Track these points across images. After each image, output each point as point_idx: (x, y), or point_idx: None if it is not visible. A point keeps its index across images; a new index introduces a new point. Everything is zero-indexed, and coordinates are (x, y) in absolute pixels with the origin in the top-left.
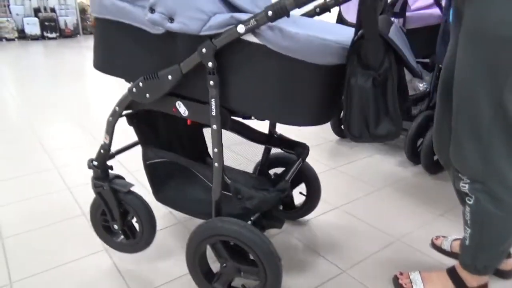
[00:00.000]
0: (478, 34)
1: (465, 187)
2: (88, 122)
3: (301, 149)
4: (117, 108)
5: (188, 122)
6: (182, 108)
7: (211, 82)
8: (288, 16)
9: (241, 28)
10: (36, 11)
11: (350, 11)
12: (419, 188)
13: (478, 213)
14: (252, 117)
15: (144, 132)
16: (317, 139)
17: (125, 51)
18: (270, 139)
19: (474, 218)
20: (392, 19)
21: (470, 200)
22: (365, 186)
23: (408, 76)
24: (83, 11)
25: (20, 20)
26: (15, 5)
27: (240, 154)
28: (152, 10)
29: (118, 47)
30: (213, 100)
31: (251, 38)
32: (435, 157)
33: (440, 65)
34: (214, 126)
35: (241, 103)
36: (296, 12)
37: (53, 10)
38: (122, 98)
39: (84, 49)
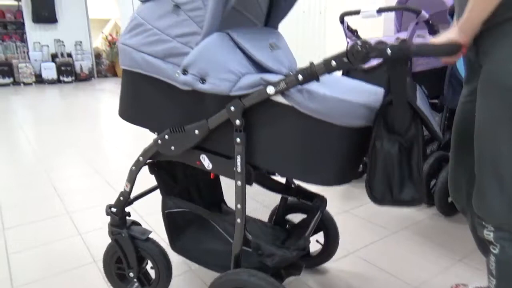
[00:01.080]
0: (499, 84)
1: (489, 235)
2: (100, 165)
3: (319, 201)
4: (141, 158)
5: (212, 175)
6: (206, 162)
7: (238, 139)
8: (318, 80)
9: (270, 90)
10: (54, 57)
11: None
12: (435, 231)
13: (505, 262)
14: (276, 174)
15: (165, 181)
16: None
17: (152, 103)
18: (287, 188)
19: (500, 267)
20: None
21: (495, 249)
22: (379, 230)
23: None
24: (98, 55)
25: (38, 66)
26: (34, 52)
27: (255, 199)
28: (185, 71)
29: (145, 99)
30: (238, 156)
31: (279, 98)
32: (450, 199)
33: (449, 107)
34: (239, 183)
35: (266, 161)
36: None
37: (69, 55)
38: (147, 149)
39: (98, 92)
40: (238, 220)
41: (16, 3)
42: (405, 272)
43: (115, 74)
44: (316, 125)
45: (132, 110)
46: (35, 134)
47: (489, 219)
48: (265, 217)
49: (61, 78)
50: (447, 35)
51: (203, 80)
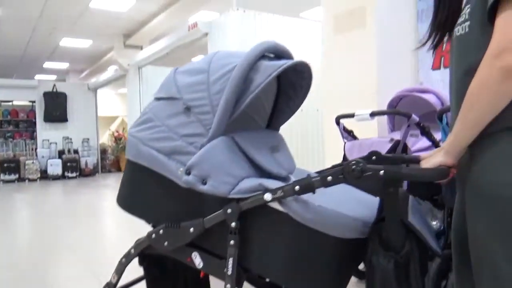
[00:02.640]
0: (487, 194)
1: None
2: (98, 268)
3: None
4: (132, 250)
5: (202, 274)
6: (197, 260)
7: (232, 242)
8: (313, 193)
9: (268, 196)
10: (61, 153)
11: (354, 153)
12: None
13: None
14: (267, 279)
15: (152, 275)
16: None
17: (151, 195)
18: None
19: None
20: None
21: None
22: None
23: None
24: (103, 151)
25: (45, 162)
26: (42, 149)
27: None
28: (188, 172)
29: (145, 190)
30: (231, 259)
31: (275, 205)
32: None
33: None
34: (228, 286)
35: (259, 265)
36: None
37: (76, 151)
38: (139, 242)
39: (102, 188)
40: None
41: (30, 103)
42: None
43: (119, 169)
44: (309, 234)
45: (131, 200)
46: (36, 233)
47: None
48: None
49: (66, 173)
50: (436, 159)
51: (204, 182)
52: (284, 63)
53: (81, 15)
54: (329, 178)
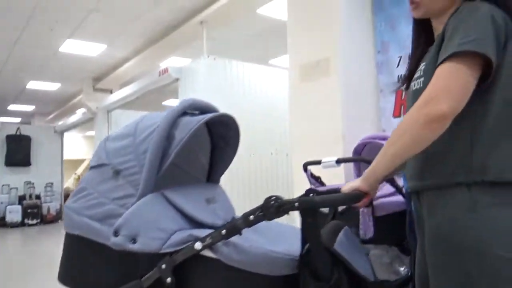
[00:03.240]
0: (444, 246)
1: None
2: None
3: None
4: None
5: None
6: None
7: None
8: (240, 234)
9: (198, 245)
10: (21, 199)
11: None
12: None
13: None
14: None
15: None
16: None
17: (88, 265)
18: None
19: None
20: (361, 209)
21: None
22: None
23: (388, 258)
24: (68, 196)
25: (3, 208)
26: (1, 194)
27: None
28: (116, 233)
29: (82, 261)
30: None
31: (207, 253)
32: None
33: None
34: None
35: None
36: None
37: (38, 197)
38: None
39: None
40: None
41: None
42: None
43: None
44: (242, 276)
45: (70, 273)
46: None
47: None
48: None
49: (26, 220)
50: (352, 184)
51: (134, 241)
52: (203, 117)
53: (50, 58)
54: (251, 217)
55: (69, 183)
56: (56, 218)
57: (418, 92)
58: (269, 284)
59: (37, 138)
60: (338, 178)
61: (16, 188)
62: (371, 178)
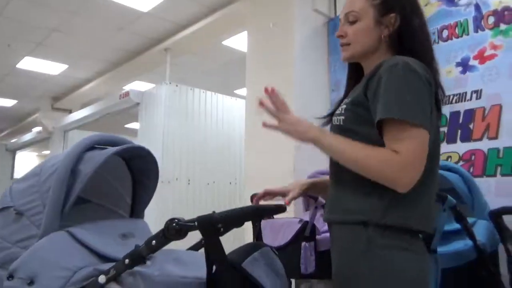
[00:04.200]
0: (337, 275)
1: None
2: None
3: None
4: None
5: None
6: None
7: None
8: (144, 262)
9: (102, 279)
10: None
11: (266, 231)
12: None
13: None
14: None
15: None
16: None
17: None
18: None
19: None
20: (304, 243)
21: None
22: None
23: None
24: None
25: None
26: None
27: None
28: (10, 277)
29: None
30: None
31: (114, 286)
32: None
33: None
34: None
35: None
36: None
37: None
38: None
39: None
40: None
41: None
42: None
43: None
44: None
45: None
46: None
47: None
48: None
49: None
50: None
51: (31, 282)
52: (111, 150)
53: (6, 74)
54: (153, 242)
55: None
56: None
57: (337, 129)
58: None
59: None
60: (288, 211)
61: None
62: (308, 138)
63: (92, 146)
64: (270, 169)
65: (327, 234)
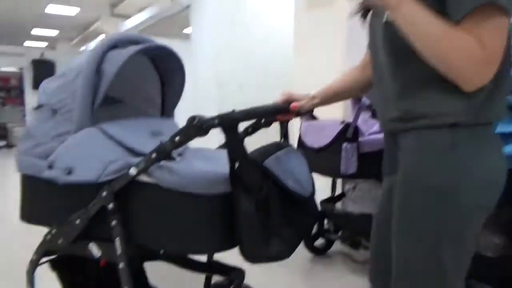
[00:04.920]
0: (419, 184)
1: None
2: None
3: (235, 274)
4: (34, 257)
5: (102, 263)
6: (94, 250)
7: (113, 222)
8: (169, 156)
9: (133, 171)
10: None
11: (308, 133)
12: None
13: None
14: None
15: (66, 279)
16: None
17: (39, 200)
18: (207, 266)
19: None
20: (345, 144)
21: None
22: None
23: (374, 193)
24: None
25: None
26: (30, 116)
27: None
28: (50, 167)
29: (34, 198)
30: (117, 239)
31: (144, 178)
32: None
33: None
34: (121, 265)
35: (146, 238)
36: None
37: None
38: (38, 246)
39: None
40: None
41: (18, 70)
42: None
43: None
44: (179, 197)
45: (27, 211)
46: None
47: None
48: None
49: None
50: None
51: (69, 172)
52: (134, 48)
53: None
54: (177, 138)
55: None
56: None
57: (391, 26)
58: (207, 203)
59: (61, 63)
60: (337, 112)
61: None
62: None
63: (114, 46)
64: (319, 71)
65: (371, 137)
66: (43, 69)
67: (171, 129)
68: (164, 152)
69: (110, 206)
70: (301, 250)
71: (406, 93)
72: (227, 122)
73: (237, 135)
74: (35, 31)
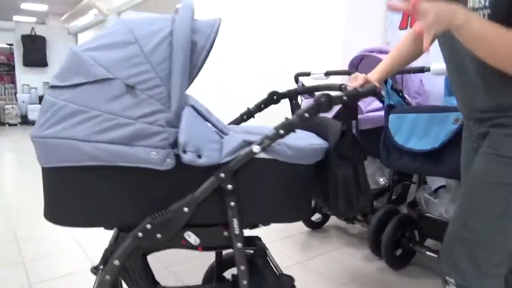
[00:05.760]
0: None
1: None
2: None
3: (261, 243)
4: (116, 262)
5: (199, 249)
6: (192, 238)
7: (232, 203)
8: (294, 132)
9: (256, 149)
10: (41, 99)
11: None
12: (380, 285)
13: None
14: (259, 225)
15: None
16: (287, 230)
17: (105, 196)
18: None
19: None
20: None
21: None
22: (329, 283)
23: (370, 170)
24: None
25: (25, 107)
26: (22, 94)
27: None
28: (184, 151)
29: (93, 194)
30: (234, 219)
31: (261, 155)
32: (397, 253)
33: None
34: (239, 245)
35: (255, 214)
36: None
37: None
38: (122, 249)
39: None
40: (244, 282)
41: (8, 46)
42: None
43: None
44: (291, 168)
45: (71, 211)
46: (18, 176)
47: (452, 275)
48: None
49: None
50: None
51: (199, 155)
52: (214, 21)
53: None
54: (306, 115)
55: None
56: None
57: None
58: (308, 172)
59: (52, 39)
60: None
61: (36, 88)
62: (461, 33)
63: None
64: (317, 49)
65: (369, 115)
66: (33, 45)
67: (201, 105)
68: (291, 129)
69: (229, 187)
70: (299, 225)
71: (494, 87)
72: (352, 98)
73: (354, 110)
74: (24, 6)
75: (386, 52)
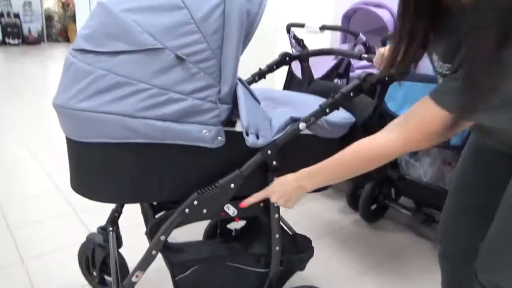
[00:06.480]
0: None
1: None
2: (39, 148)
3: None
4: (162, 237)
5: (237, 219)
6: (231, 210)
7: (274, 178)
8: (338, 109)
9: (302, 126)
10: None
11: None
12: (355, 237)
13: None
14: None
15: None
16: None
17: (167, 171)
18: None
19: None
20: (336, 80)
21: None
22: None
23: None
24: (49, 18)
25: None
26: None
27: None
28: (247, 133)
29: (149, 171)
30: None
31: (304, 131)
32: (373, 207)
33: None
34: (276, 216)
35: None
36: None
37: (17, 15)
38: (167, 224)
39: (49, 60)
40: (277, 248)
41: None
42: (320, 277)
43: (67, 39)
44: (326, 142)
45: (119, 188)
46: None
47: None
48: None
49: (7, 40)
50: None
51: (257, 136)
52: None
53: None
54: (351, 93)
55: (50, 3)
56: (38, 40)
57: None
58: (338, 144)
59: None
60: (324, 41)
61: None
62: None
63: None
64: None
65: (358, 72)
66: None
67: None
68: (337, 107)
69: (274, 163)
70: None
71: None
72: (391, 79)
73: (387, 87)
74: None
75: (382, 6)
